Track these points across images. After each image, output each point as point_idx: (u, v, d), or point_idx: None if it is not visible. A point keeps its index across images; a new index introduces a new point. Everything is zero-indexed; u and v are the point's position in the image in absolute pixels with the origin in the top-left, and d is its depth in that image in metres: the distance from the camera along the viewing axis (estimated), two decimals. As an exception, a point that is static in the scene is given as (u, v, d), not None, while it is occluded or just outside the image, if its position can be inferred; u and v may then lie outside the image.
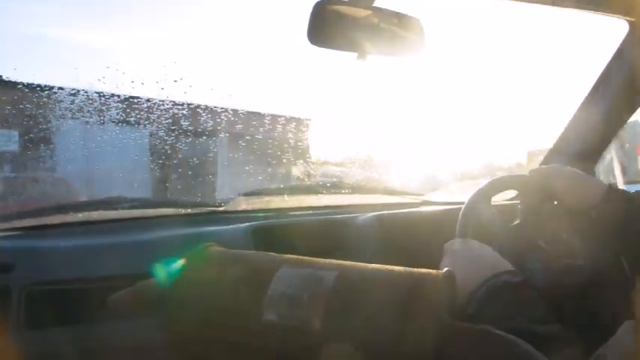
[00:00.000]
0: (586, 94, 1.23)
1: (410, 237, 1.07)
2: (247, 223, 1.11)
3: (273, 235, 1.08)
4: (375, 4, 0.85)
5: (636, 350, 0.46)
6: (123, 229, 1.15)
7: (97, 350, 0.87)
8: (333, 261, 0.56)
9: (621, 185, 1.33)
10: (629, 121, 1.21)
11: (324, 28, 0.85)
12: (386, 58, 0.98)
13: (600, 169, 1.32)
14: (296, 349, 0.50)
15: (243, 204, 1.37)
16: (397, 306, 0.48)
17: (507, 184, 1.05)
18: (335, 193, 1.52)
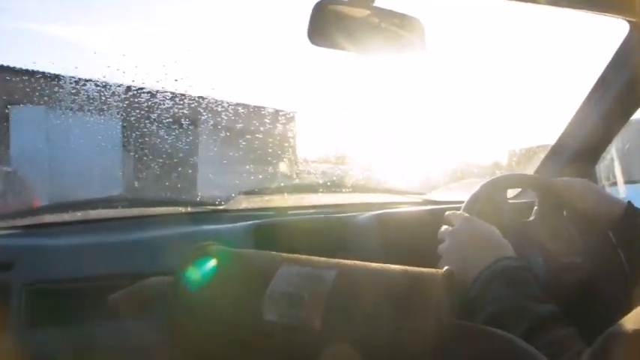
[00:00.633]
0: (586, 94, 1.23)
1: (410, 236, 1.07)
2: (248, 222, 1.11)
3: (274, 233, 1.08)
4: (376, 4, 0.85)
5: None
6: (123, 228, 1.15)
7: (96, 349, 0.87)
8: (333, 260, 0.56)
9: (621, 184, 1.33)
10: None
11: (325, 28, 0.85)
12: (386, 58, 0.98)
13: (600, 168, 1.32)
14: (296, 348, 0.50)
15: (244, 203, 1.37)
16: (397, 305, 0.48)
17: (526, 182, 1.07)
18: (336, 192, 1.52)
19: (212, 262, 0.58)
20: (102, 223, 1.19)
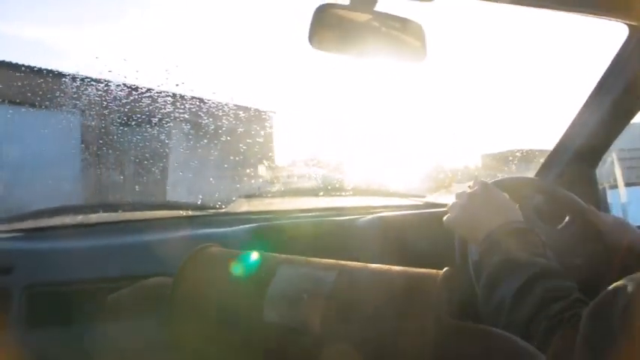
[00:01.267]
0: (586, 97, 1.23)
1: (410, 238, 1.07)
2: (249, 225, 1.12)
3: (274, 236, 1.08)
4: (376, 9, 0.85)
5: None
6: (124, 231, 1.15)
7: (96, 350, 0.87)
8: (333, 261, 0.56)
9: (622, 187, 1.33)
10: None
11: (326, 32, 0.85)
12: (386, 62, 0.98)
13: (601, 171, 1.32)
14: (296, 349, 0.50)
15: (245, 206, 1.37)
16: (396, 306, 0.48)
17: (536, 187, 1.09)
18: (336, 195, 1.52)
19: (212, 264, 0.58)
20: (103, 227, 1.19)
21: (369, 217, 1.18)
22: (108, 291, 0.63)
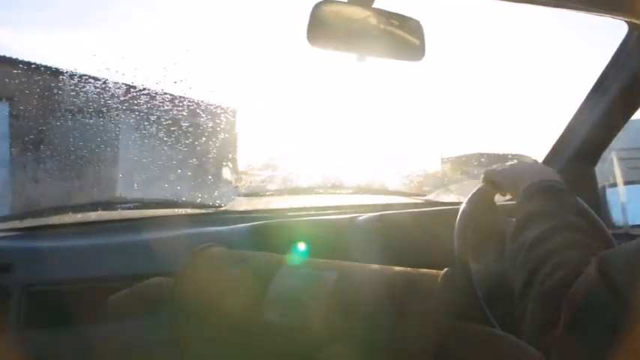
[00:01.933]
0: (585, 95, 1.23)
1: (411, 237, 1.07)
2: (248, 224, 1.11)
3: (274, 235, 1.08)
4: (375, 5, 0.85)
5: None
6: (123, 230, 1.15)
7: (96, 350, 0.87)
8: (334, 261, 0.56)
9: (621, 185, 1.33)
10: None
11: (324, 29, 0.85)
12: (385, 59, 0.98)
13: (601, 169, 1.32)
14: (296, 349, 0.50)
15: (244, 204, 1.37)
16: (396, 306, 0.48)
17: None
18: (336, 193, 1.52)
19: (212, 264, 0.58)
20: (102, 225, 1.18)
21: (370, 215, 1.18)
22: (108, 290, 0.63)
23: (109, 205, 1.28)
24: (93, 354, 0.87)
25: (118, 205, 1.27)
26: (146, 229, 1.12)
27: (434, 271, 0.51)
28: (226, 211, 1.30)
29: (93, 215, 1.23)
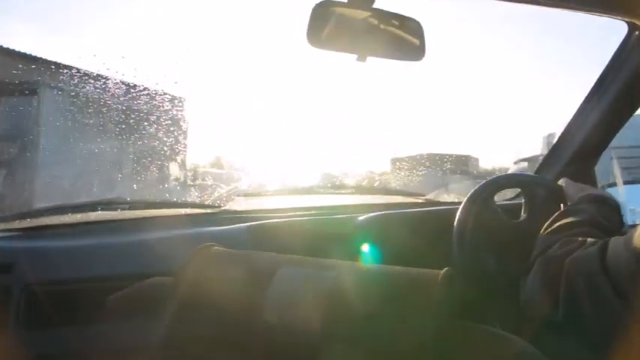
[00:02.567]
0: (585, 95, 1.23)
1: (411, 237, 1.07)
2: (247, 224, 1.11)
3: (273, 235, 1.08)
4: (375, 6, 0.85)
5: None
6: (122, 230, 1.15)
7: (96, 350, 0.87)
8: (334, 261, 0.56)
9: (620, 185, 1.33)
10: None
11: (324, 29, 0.85)
12: (385, 60, 0.98)
13: (600, 169, 1.32)
14: (296, 349, 0.50)
15: (243, 204, 1.37)
16: (396, 306, 0.48)
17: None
18: (336, 193, 1.52)
19: (212, 264, 0.58)
20: (101, 225, 1.18)
21: (370, 215, 1.18)
22: (107, 290, 0.63)
23: (108, 205, 1.28)
24: (92, 354, 0.87)
25: (118, 205, 1.27)
26: (146, 229, 1.12)
27: (434, 270, 0.51)
28: (225, 211, 1.30)
29: (92, 215, 1.23)
